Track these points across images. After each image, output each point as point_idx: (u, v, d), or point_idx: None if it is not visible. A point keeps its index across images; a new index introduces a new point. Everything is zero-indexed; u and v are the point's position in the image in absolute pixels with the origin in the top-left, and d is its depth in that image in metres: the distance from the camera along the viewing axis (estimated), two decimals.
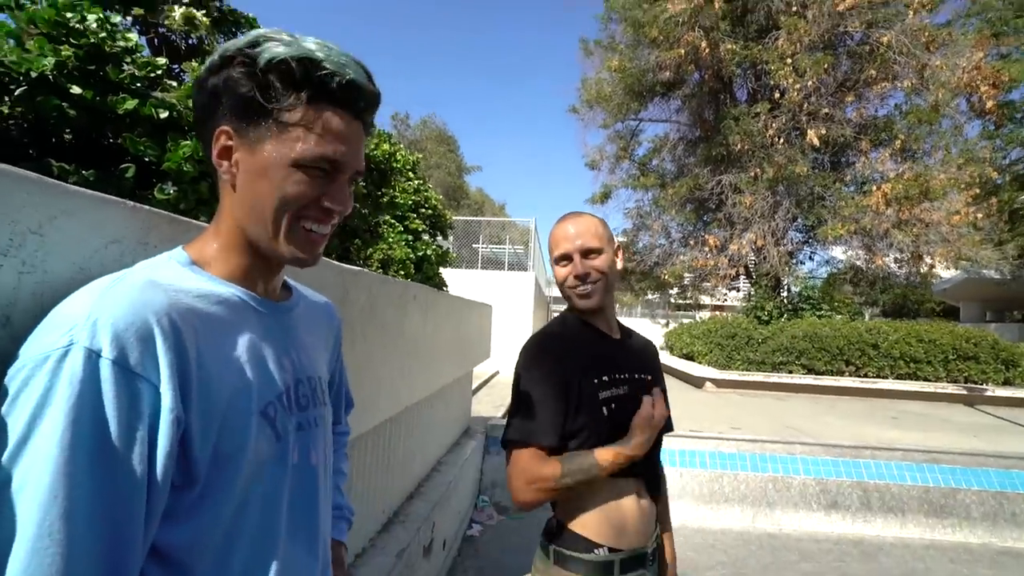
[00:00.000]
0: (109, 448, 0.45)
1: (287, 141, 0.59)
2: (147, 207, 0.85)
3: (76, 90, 1.35)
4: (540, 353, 1.20)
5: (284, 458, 0.63)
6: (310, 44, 0.59)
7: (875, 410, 7.20)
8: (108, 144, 1.61)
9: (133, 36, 1.53)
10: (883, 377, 8.90)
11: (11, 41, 1.40)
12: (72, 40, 1.41)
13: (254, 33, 0.59)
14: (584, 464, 1.08)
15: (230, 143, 0.60)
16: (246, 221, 0.62)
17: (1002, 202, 13.20)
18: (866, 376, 8.92)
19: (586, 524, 1.13)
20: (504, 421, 1.23)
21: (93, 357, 0.45)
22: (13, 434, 0.43)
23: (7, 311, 0.56)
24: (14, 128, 1.45)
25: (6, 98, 1.40)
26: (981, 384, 8.63)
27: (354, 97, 0.61)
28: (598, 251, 1.20)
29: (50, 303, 0.52)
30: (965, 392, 8.32)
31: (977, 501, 4.02)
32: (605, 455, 1.09)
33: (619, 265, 1.27)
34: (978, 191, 10.76)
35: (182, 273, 0.60)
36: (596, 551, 1.11)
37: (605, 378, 1.18)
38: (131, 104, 1.43)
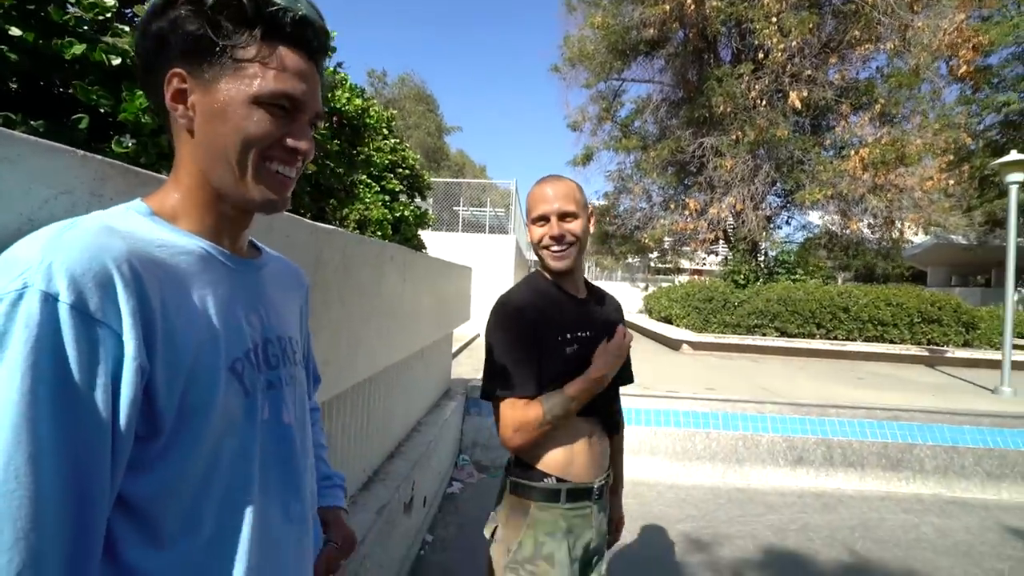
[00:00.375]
0: (71, 393, 0.44)
1: (244, 78, 0.58)
2: (99, 157, 0.80)
3: (15, 32, 1.24)
4: (510, 312, 1.27)
5: (253, 414, 0.62)
6: None
7: (843, 371, 7.50)
8: (58, 93, 1.51)
9: None
10: (852, 340, 9.23)
11: None
12: None
13: None
14: (559, 400, 1.19)
15: (184, 85, 0.58)
16: (209, 166, 0.60)
17: (973, 168, 13.51)
18: (836, 339, 9.25)
19: (539, 457, 1.25)
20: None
21: (50, 300, 0.43)
22: None
23: None
24: None
25: None
26: (942, 346, 9.04)
27: (307, 35, 0.61)
28: (574, 215, 1.27)
29: None
30: (927, 354, 8.71)
31: (931, 455, 4.27)
32: (572, 387, 1.21)
33: (591, 230, 1.35)
34: (952, 157, 10.96)
35: (142, 223, 0.57)
36: (546, 480, 1.24)
37: (569, 335, 1.27)
38: (79, 49, 1.32)
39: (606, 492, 1.37)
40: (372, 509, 2.05)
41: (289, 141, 0.61)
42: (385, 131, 3.17)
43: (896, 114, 11.25)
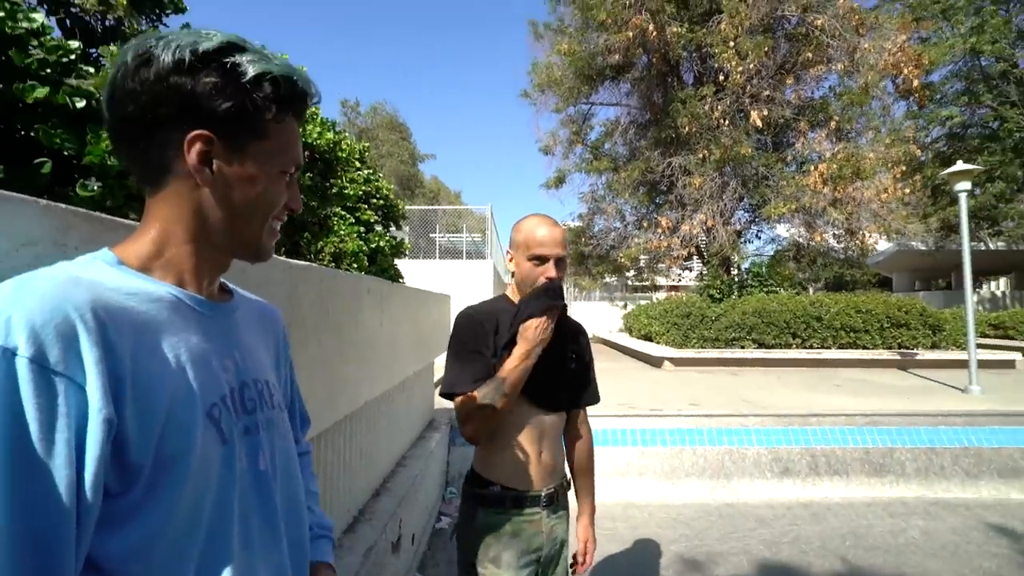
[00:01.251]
0: (29, 451, 0.42)
1: (271, 149, 0.64)
2: (62, 205, 0.78)
3: None
4: (459, 321, 1.43)
5: (231, 463, 0.60)
6: (279, 62, 0.63)
7: (820, 379, 7.65)
8: (20, 137, 1.47)
9: (39, 16, 1.38)
10: (827, 347, 9.44)
11: None
12: None
13: (222, 37, 0.60)
14: (493, 383, 1.30)
15: (208, 149, 0.59)
16: (225, 224, 0.63)
17: (925, 178, 14.19)
18: (811, 347, 9.45)
19: (488, 467, 1.40)
20: None
21: (8, 355, 0.42)
22: None
23: None
24: None
25: None
26: (912, 349, 9.32)
27: (306, 107, 0.69)
28: (564, 260, 1.43)
29: None
30: (898, 357, 8.96)
31: (911, 458, 4.35)
32: (503, 369, 1.31)
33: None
34: (904, 168, 11.51)
35: (108, 272, 0.56)
36: (491, 488, 1.38)
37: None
38: (41, 92, 1.30)
39: (560, 499, 1.46)
40: (359, 551, 1.97)
41: (291, 204, 0.69)
42: (358, 163, 3.17)
43: (850, 130, 11.84)
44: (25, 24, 1.34)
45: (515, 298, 1.46)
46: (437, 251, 12.49)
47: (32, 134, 1.40)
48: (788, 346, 9.48)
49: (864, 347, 9.38)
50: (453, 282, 9.74)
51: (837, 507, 3.93)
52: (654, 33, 11.27)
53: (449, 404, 1.49)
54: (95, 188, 1.41)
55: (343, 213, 3.03)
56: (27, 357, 0.42)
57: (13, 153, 1.42)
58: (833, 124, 11.39)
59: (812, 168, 10.99)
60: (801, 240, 12.88)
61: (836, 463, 4.33)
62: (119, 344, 0.49)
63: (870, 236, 11.76)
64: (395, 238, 3.62)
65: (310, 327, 1.56)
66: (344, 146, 2.48)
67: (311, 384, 1.55)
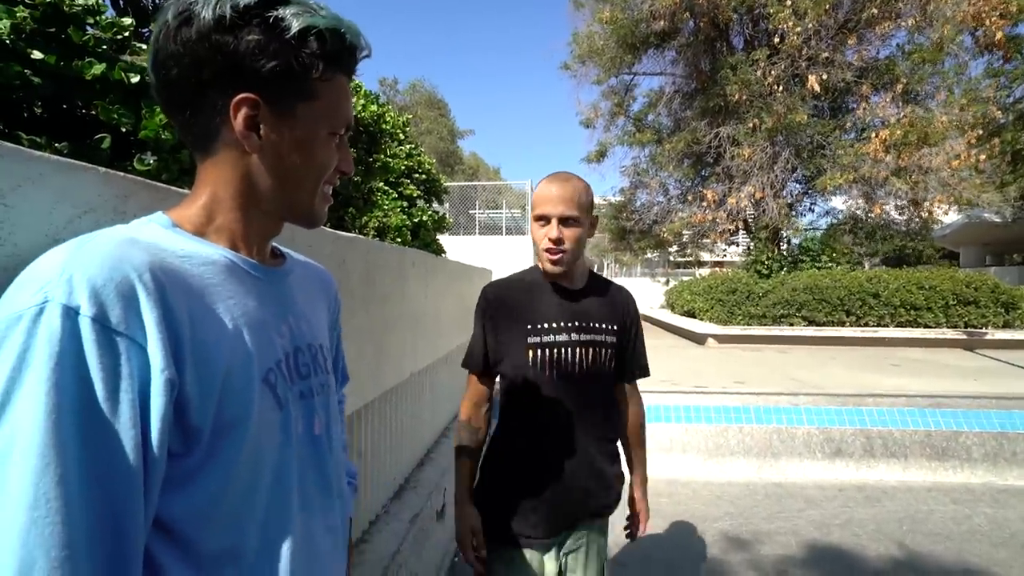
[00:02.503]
0: (96, 411, 0.42)
1: (320, 110, 0.60)
2: (121, 174, 0.79)
3: (37, 55, 1.25)
4: (484, 295, 1.39)
5: (288, 427, 0.60)
6: (325, 13, 0.58)
7: (876, 358, 7.27)
8: (80, 115, 1.52)
9: None
10: (884, 326, 8.94)
11: None
12: (26, 1, 1.30)
13: None
14: (456, 473, 1.37)
15: (255, 113, 0.57)
16: (275, 188, 0.61)
17: (1004, 142, 12.96)
18: (867, 325, 8.97)
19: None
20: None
21: (71, 314, 0.41)
22: None
23: None
24: None
25: None
26: (981, 328, 8.69)
27: (357, 61, 0.65)
28: (576, 220, 1.27)
29: None
30: (965, 337, 8.38)
31: (978, 442, 4.09)
32: (460, 484, 1.36)
33: (592, 234, 1.39)
34: (980, 132, 10.54)
35: (164, 234, 0.56)
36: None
37: (543, 324, 1.31)
38: (99, 69, 1.33)
39: (583, 541, 1.38)
40: (405, 518, 2.03)
41: (342, 165, 0.66)
42: (400, 136, 3.17)
43: (920, 91, 10.88)
44: (81, 2, 1.37)
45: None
46: (477, 227, 12.51)
47: (91, 111, 1.45)
48: (841, 324, 9.04)
49: (926, 326, 8.82)
50: (493, 258, 9.75)
51: (894, 491, 3.76)
52: None
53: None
54: (151, 162, 1.46)
55: (386, 188, 3.05)
56: (89, 316, 0.42)
57: (75, 129, 1.48)
58: (900, 87, 10.50)
59: (873, 135, 10.23)
60: (859, 212, 12.11)
61: (893, 445, 4.12)
62: (177, 306, 0.48)
63: (938, 207, 10.90)
64: (437, 212, 3.62)
65: (358, 298, 1.58)
66: (387, 118, 2.47)
67: (360, 355, 1.57)
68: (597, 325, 1.34)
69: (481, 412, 1.40)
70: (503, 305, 1.34)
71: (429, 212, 3.42)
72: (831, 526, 3.22)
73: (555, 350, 1.29)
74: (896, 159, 9.98)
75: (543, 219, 1.28)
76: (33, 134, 1.31)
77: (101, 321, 0.42)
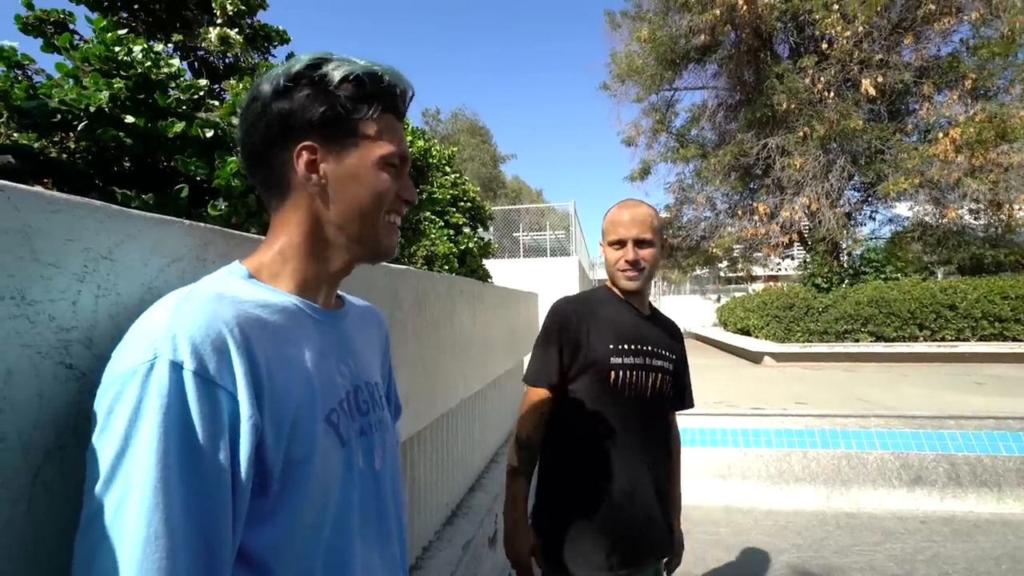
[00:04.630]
0: (197, 455, 0.47)
1: (369, 145, 0.66)
2: (202, 224, 0.88)
3: (130, 119, 1.41)
4: (552, 310, 1.39)
5: (350, 463, 0.64)
6: (364, 62, 0.66)
7: (957, 376, 6.69)
8: (163, 167, 1.69)
9: (175, 62, 1.58)
10: (963, 340, 8.26)
11: (70, 80, 1.49)
12: (122, 72, 1.47)
13: (307, 56, 0.65)
14: (510, 494, 1.34)
15: (314, 157, 0.64)
16: (341, 223, 0.66)
17: None
18: (943, 340, 8.31)
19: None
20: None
21: (177, 369, 0.47)
22: (111, 447, 0.46)
23: (89, 333, 0.59)
24: (80, 161, 1.54)
25: (70, 133, 1.49)
26: None
27: (403, 102, 0.71)
28: (650, 243, 1.34)
29: (125, 323, 0.54)
30: None
31: None
32: (513, 503, 1.33)
33: (663, 254, 1.43)
34: None
35: (242, 285, 0.62)
36: None
37: (623, 346, 1.32)
38: (179, 127, 1.48)
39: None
40: (458, 545, 2.04)
41: (403, 194, 0.70)
42: (447, 168, 3.29)
43: (991, 87, 10.17)
44: (166, 70, 1.54)
45: (613, 288, 1.43)
46: (521, 250, 12.62)
47: (172, 163, 1.61)
48: (914, 339, 8.42)
49: (1015, 339, 8.07)
50: (539, 280, 9.78)
51: (987, 524, 3.41)
52: (744, 7, 10.48)
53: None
54: (223, 207, 1.59)
55: (433, 217, 3.15)
56: (192, 370, 0.48)
57: (158, 180, 1.64)
58: (968, 83, 9.86)
59: (941, 135, 9.61)
60: (928, 218, 11.34)
61: (983, 473, 3.76)
62: (259, 355, 0.54)
63: (1021, 209, 10.04)
64: (483, 239, 3.70)
65: (410, 327, 1.64)
66: (433, 152, 2.58)
67: (412, 383, 1.63)
68: (663, 352, 1.38)
69: (541, 429, 1.36)
70: (583, 321, 1.34)
71: (475, 239, 3.50)
72: (915, 562, 2.96)
73: (633, 372, 1.31)
74: (969, 159, 9.32)
75: (618, 243, 1.34)
76: (124, 187, 1.47)
77: (201, 374, 0.48)
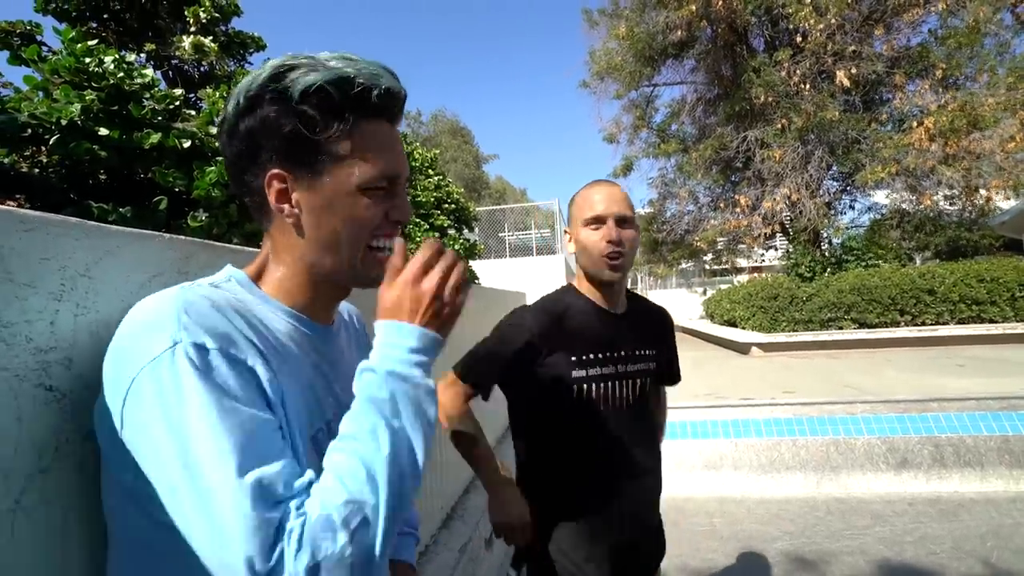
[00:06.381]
0: (239, 412, 0.48)
1: (344, 168, 0.58)
2: (182, 237, 0.87)
3: (103, 131, 1.38)
4: (524, 313, 1.23)
5: None
6: (335, 63, 0.56)
7: (938, 359, 6.85)
8: (140, 179, 1.66)
9: (149, 71, 1.56)
10: (943, 323, 8.45)
11: (40, 93, 1.46)
12: (94, 84, 1.44)
13: (271, 64, 0.57)
14: (477, 457, 1.22)
15: (284, 185, 0.58)
16: (318, 257, 0.61)
17: None
18: (924, 324, 8.50)
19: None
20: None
21: (202, 349, 0.47)
22: (161, 427, 0.45)
23: (68, 353, 0.58)
24: (53, 175, 1.51)
25: (42, 148, 1.45)
26: None
27: (390, 104, 0.60)
28: (631, 222, 1.19)
29: (107, 342, 0.53)
30: None
31: None
32: (482, 460, 1.22)
33: (639, 240, 1.28)
34: None
35: (242, 291, 0.61)
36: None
37: (588, 356, 1.18)
38: (155, 138, 1.46)
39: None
40: (455, 547, 2.04)
41: (393, 216, 0.62)
42: (429, 171, 3.27)
43: (959, 76, 10.43)
44: (139, 80, 1.51)
45: (581, 287, 1.26)
46: (507, 250, 12.63)
47: (150, 175, 1.58)
48: (895, 324, 8.60)
49: (992, 320, 8.29)
50: (525, 279, 9.79)
51: (972, 503, 3.50)
52: (719, 2, 10.60)
53: None
54: (203, 218, 1.57)
55: (417, 220, 3.14)
56: (216, 348, 0.48)
57: (135, 193, 1.61)
58: (938, 72, 10.09)
59: (915, 124, 9.82)
60: (905, 205, 11.58)
61: (967, 454, 3.85)
62: (265, 351, 0.54)
63: (996, 193, 10.31)
64: (468, 240, 3.70)
65: None
66: (416, 156, 2.57)
67: None
68: (643, 352, 1.25)
69: (468, 416, 1.24)
70: (544, 334, 1.17)
71: (460, 240, 3.49)
72: (903, 543, 3.02)
73: (603, 384, 1.18)
74: (943, 146, 9.53)
75: (597, 221, 1.17)
76: (100, 201, 1.44)
77: (224, 351, 0.49)
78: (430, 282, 0.58)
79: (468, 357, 1.25)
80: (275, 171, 0.57)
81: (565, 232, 1.29)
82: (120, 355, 0.50)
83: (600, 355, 1.19)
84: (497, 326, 1.25)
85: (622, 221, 1.17)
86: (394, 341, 0.56)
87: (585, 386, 1.17)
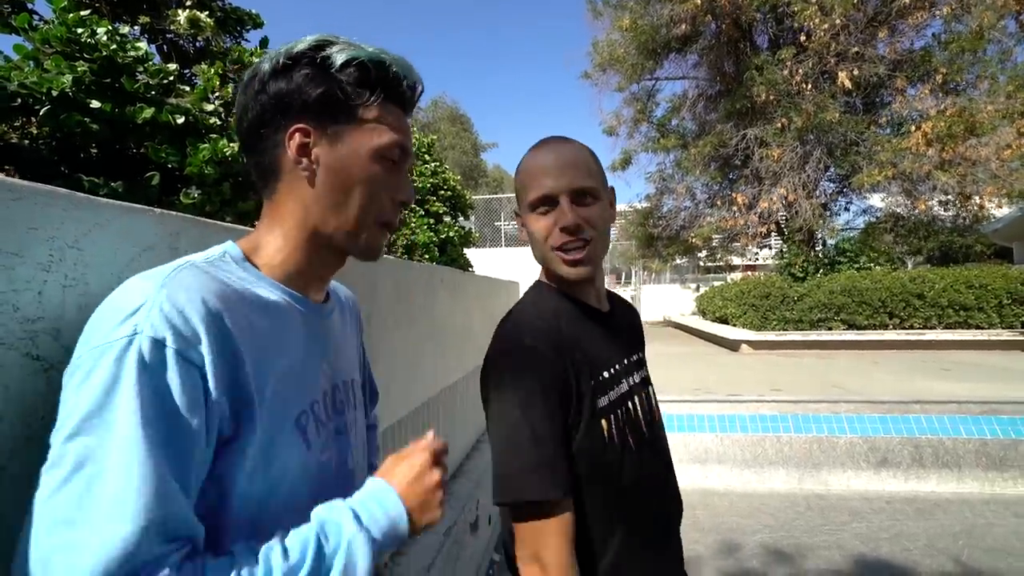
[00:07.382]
0: (174, 421, 0.47)
1: (367, 132, 0.63)
2: (174, 213, 0.86)
3: (95, 104, 1.37)
4: (518, 357, 0.79)
5: (317, 464, 0.63)
6: (373, 49, 0.64)
7: (924, 363, 6.95)
8: (132, 154, 1.65)
9: (143, 45, 1.54)
10: (931, 328, 8.56)
11: (31, 63, 1.43)
12: (86, 55, 1.42)
13: (313, 36, 0.63)
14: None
15: (307, 140, 0.62)
16: (328, 213, 0.63)
17: None
18: (912, 328, 8.60)
19: None
20: None
21: (159, 346, 0.47)
22: (85, 406, 0.45)
23: (56, 324, 0.58)
24: (44, 147, 1.49)
25: (32, 119, 1.44)
26: None
27: (411, 96, 0.68)
28: (593, 194, 0.83)
29: None
30: (1022, 338, 7.93)
31: None
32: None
33: (615, 216, 0.91)
34: None
35: (235, 268, 0.61)
36: None
37: (604, 375, 0.84)
38: (148, 113, 1.44)
39: None
40: (440, 531, 2.07)
41: (397, 194, 0.67)
42: (426, 156, 3.26)
43: (960, 81, 10.44)
44: (132, 53, 1.49)
45: (555, 282, 0.91)
46: (503, 239, 12.61)
47: (142, 150, 1.57)
48: (884, 327, 8.70)
49: (978, 327, 8.40)
50: (520, 269, 9.80)
51: (947, 503, 3.58)
52: None
53: None
54: (196, 195, 1.56)
55: (413, 206, 3.13)
56: (174, 348, 0.48)
57: (128, 168, 1.60)
58: (939, 77, 10.10)
59: (913, 128, 9.85)
60: (900, 210, 11.65)
61: (945, 455, 3.93)
62: (235, 343, 0.53)
63: (990, 201, 10.39)
64: (463, 228, 3.69)
65: (389, 318, 1.64)
66: (414, 141, 2.56)
67: (392, 373, 1.63)
68: (637, 356, 0.98)
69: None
70: (568, 351, 0.80)
71: (455, 228, 3.49)
72: (879, 540, 3.09)
73: (624, 406, 0.86)
74: (940, 152, 9.57)
75: (545, 202, 0.83)
76: (91, 175, 1.42)
77: (182, 352, 0.48)
78: (432, 478, 0.69)
79: (509, 465, 0.76)
80: (299, 125, 0.61)
81: (515, 215, 0.93)
82: (88, 329, 0.50)
83: (610, 370, 0.86)
84: (498, 393, 0.79)
85: (580, 195, 0.82)
86: (379, 499, 0.61)
87: (613, 416, 0.83)
